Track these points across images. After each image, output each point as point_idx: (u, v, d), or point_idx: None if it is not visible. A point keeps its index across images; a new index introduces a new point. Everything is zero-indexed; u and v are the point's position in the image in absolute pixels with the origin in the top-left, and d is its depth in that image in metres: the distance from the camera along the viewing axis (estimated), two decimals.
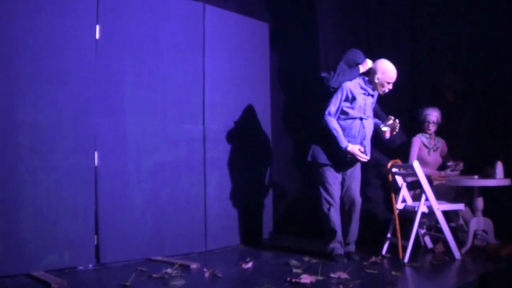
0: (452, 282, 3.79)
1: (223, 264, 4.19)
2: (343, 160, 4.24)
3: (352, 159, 4.23)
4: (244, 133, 5.19)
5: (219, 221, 4.89)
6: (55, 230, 3.85)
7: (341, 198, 4.32)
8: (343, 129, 4.21)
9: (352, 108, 4.22)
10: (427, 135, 5.00)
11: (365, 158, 4.23)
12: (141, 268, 3.91)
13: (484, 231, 4.54)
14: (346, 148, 4.15)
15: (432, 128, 4.97)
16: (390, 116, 4.31)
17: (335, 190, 4.27)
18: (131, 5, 4.35)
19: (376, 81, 4.26)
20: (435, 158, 4.99)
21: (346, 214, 4.31)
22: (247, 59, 5.30)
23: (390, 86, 4.28)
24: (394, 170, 4.51)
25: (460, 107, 5.48)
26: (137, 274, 3.74)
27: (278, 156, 5.72)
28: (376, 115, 4.53)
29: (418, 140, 4.98)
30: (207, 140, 4.83)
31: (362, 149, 4.21)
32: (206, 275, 3.80)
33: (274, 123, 5.60)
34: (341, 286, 3.42)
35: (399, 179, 4.58)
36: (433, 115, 4.95)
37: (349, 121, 4.23)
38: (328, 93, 4.28)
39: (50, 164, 3.85)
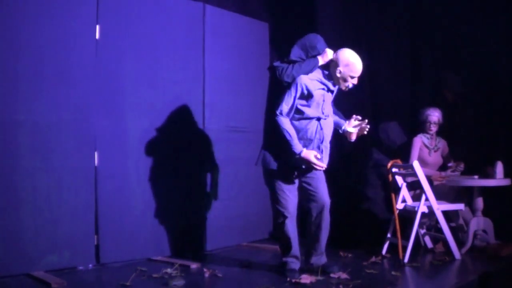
0: (452, 282, 3.79)
1: (223, 264, 4.19)
2: (298, 168, 3.66)
3: (308, 167, 3.62)
4: (244, 133, 5.18)
5: (219, 221, 4.89)
6: (55, 230, 3.84)
7: (306, 205, 3.76)
8: (298, 131, 3.61)
9: (308, 106, 3.61)
10: (428, 136, 5.00)
11: (321, 166, 3.60)
12: (141, 268, 3.91)
13: (484, 231, 4.54)
14: (300, 154, 3.55)
15: (434, 128, 4.97)
16: (355, 116, 3.74)
17: (290, 199, 3.69)
18: (131, 5, 4.35)
19: (338, 75, 3.63)
20: (435, 158, 4.99)
21: (314, 222, 3.72)
22: (247, 59, 5.30)
23: (355, 81, 3.65)
24: (394, 170, 4.51)
25: (460, 107, 5.49)
26: (137, 274, 3.73)
27: None
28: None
29: (419, 140, 4.98)
30: (207, 140, 4.83)
31: (319, 156, 3.60)
32: (206, 275, 3.80)
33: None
34: (341, 286, 3.43)
35: (399, 179, 4.58)
36: (434, 115, 4.94)
37: (304, 122, 3.62)
38: (280, 87, 3.65)
39: (50, 164, 3.85)
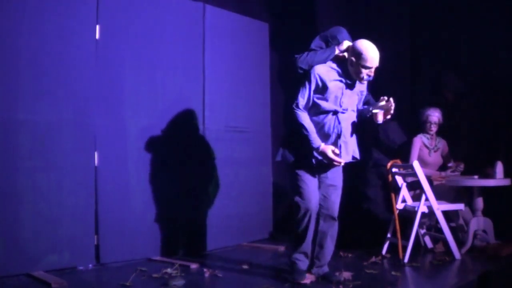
0: (452, 282, 3.79)
1: (223, 264, 4.19)
2: (318, 163, 3.50)
3: (327, 163, 3.47)
4: (244, 133, 5.19)
5: (220, 221, 4.89)
6: (55, 230, 3.84)
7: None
8: (315, 125, 3.46)
9: (325, 99, 3.45)
10: (428, 136, 5.00)
11: (339, 162, 3.44)
12: (141, 268, 3.91)
13: (484, 231, 4.54)
14: (318, 148, 3.41)
15: (434, 128, 4.96)
16: (382, 97, 3.55)
17: (312, 192, 3.51)
18: (131, 5, 4.35)
19: (351, 65, 3.44)
20: (435, 158, 4.99)
21: (321, 230, 3.60)
22: (247, 59, 5.30)
23: (369, 73, 3.43)
24: (394, 170, 4.51)
25: (460, 107, 5.49)
26: (137, 274, 3.73)
27: None
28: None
29: (419, 141, 4.98)
30: (207, 140, 4.83)
31: (337, 151, 3.44)
32: (206, 275, 3.80)
33: (274, 123, 5.60)
34: (341, 286, 3.43)
35: (399, 179, 4.58)
36: (434, 115, 4.94)
37: (321, 116, 3.47)
38: (297, 81, 3.52)
39: (50, 164, 3.85)
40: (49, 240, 3.81)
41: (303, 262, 3.59)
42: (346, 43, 3.52)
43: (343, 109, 3.49)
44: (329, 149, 3.39)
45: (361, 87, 3.62)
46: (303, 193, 3.50)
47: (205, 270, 3.86)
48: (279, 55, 5.82)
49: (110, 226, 4.15)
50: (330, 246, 3.62)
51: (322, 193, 3.58)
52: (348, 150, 3.54)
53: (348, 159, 3.56)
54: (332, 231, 3.60)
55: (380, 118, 3.53)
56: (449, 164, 4.98)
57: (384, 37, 5.84)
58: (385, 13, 5.82)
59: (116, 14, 4.25)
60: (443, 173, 4.92)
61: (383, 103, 3.53)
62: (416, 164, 4.23)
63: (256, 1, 5.77)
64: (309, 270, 3.65)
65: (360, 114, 3.68)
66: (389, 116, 3.53)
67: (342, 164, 3.48)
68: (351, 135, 3.58)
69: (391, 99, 3.48)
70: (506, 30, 5.13)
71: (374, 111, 3.54)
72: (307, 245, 3.58)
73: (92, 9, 4.10)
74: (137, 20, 4.38)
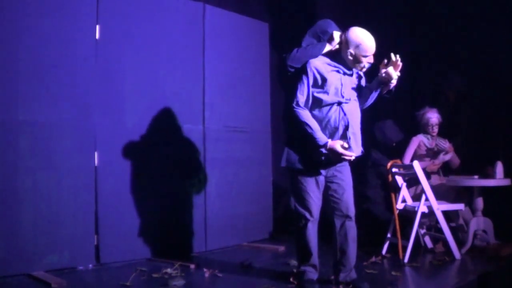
0: (452, 282, 3.79)
1: (223, 264, 4.19)
2: (325, 162, 3.34)
3: (337, 160, 3.33)
4: (244, 133, 5.19)
5: (219, 221, 4.89)
6: (55, 230, 3.85)
7: (330, 215, 3.44)
8: (319, 120, 3.30)
9: (326, 92, 3.29)
10: (429, 136, 4.99)
11: (350, 156, 3.27)
12: (141, 268, 3.91)
13: (484, 231, 4.54)
14: (325, 145, 3.25)
15: (436, 129, 4.95)
16: (384, 61, 3.32)
17: (314, 201, 3.38)
18: (131, 5, 4.36)
19: (350, 57, 3.29)
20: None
21: (340, 233, 3.40)
22: (247, 59, 5.30)
23: (370, 60, 3.30)
24: (394, 170, 4.51)
25: (461, 107, 5.49)
26: (137, 274, 3.73)
27: (278, 155, 5.70)
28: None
29: (416, 140, 4.97)
30: (207, 140, 4.84)
31: (346, 145, 3.26)
32: (206, 275, 3.80)
33: (274, 123, 5.60)
34: (341, 286, 3.42)
35: (399, 179, 4.58)
36: (434, 117, 4.93)
37: (324, 109, 3.30)
38: (292, 79, 3.38)
39: (50, 164, 3.85)
40: (49, 240, 3.81)
41: (312, 273, 3.48)
42: (337, 34, 3.41)
43: (346, 99, 3.33)
44: (337, 144, 3.23)
45: (355, 76, 3.44)
46: (304, 202, 3.40)
47: (205, 270, 3.86)
48: (279, 55, 5.82)
49: (110, 226, 4.15)
50: (352, 249, 3.42)
51: (335, 196, 3.40)
52: (357, 141, 3.37)
53: (358, 152, 3.38)
54: (351, 233, 3.40)
55: (392, 74, 3.28)
56: (439, 144, 4.92)
57: (384, 37, 5.85)
58: (385, 13, 5.83)
59: (116, 14, 4.25)
60: (436, 161, 4.91)
61: (386, 64, 3.31)
62: (416, 164, 4.23)
63: (256, 1, 5.78)
64: (336, 279, 3.48)
65: (370, 89, 3.43)
66: (398, 73, 3.31)
67: (353, 157, 3.31)
68: (358, 126, 3.41)
69: (391, 54, 3.28)
70: (506, 30, 5.13)
71: (389, 70, 3.27)
72: (314, 258, 3.47)
73: (92, 9, 4.10)
74: (137, 20, 4.38)
